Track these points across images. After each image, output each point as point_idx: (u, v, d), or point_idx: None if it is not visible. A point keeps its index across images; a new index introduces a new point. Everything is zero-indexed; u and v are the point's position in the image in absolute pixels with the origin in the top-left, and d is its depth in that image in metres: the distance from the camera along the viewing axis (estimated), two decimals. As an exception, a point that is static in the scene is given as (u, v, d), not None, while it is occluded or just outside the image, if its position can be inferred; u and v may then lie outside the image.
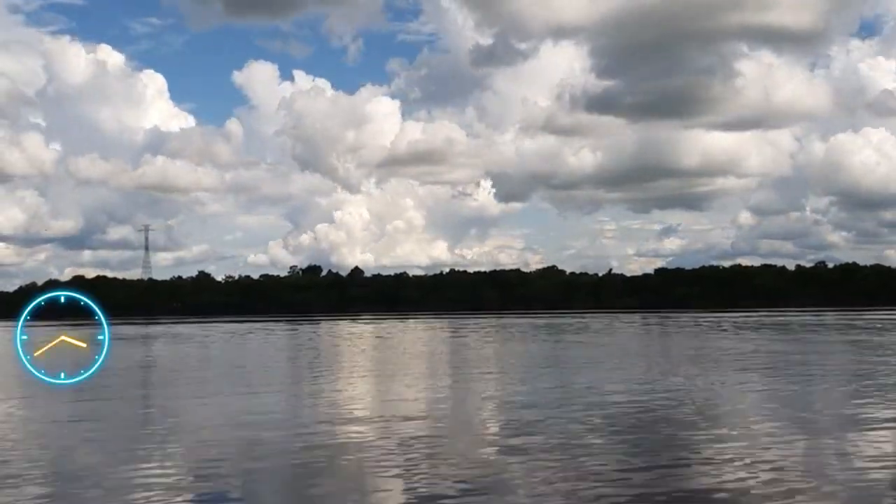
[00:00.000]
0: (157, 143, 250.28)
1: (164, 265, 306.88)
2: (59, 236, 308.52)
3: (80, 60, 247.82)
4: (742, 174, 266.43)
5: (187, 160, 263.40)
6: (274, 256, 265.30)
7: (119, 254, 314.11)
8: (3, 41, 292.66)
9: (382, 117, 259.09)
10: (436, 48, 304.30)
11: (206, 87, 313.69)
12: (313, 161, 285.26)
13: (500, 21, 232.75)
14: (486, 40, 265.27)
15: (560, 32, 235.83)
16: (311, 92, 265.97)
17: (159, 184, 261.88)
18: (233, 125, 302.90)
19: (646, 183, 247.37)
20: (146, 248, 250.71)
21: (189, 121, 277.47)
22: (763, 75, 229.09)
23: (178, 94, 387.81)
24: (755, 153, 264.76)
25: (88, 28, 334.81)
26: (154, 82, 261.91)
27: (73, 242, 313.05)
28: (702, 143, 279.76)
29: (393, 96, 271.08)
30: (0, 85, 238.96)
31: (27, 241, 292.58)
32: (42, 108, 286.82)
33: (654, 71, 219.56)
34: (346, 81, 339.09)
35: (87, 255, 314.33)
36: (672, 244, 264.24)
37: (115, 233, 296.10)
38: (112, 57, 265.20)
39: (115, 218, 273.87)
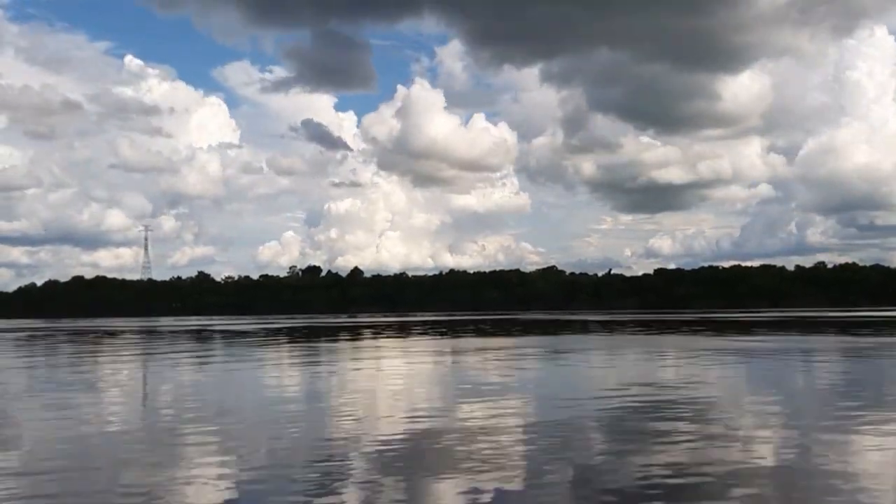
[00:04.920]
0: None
1: (179, 265, 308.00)
2: (59, 237, 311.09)
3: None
4: (742, 177, 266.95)
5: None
6: (275, 255, 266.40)
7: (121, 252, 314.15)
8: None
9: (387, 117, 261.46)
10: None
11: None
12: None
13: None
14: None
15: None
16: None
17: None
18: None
19: (647, 185, 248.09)
20: (145, 249, 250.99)
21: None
22: (761, 84, 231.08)
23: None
24: (755, 157, 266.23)
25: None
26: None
27: (75, 243, 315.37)
28: (703, 146, 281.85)
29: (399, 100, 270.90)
30: None
31: (28, 241, 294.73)
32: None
33: (657, 83, 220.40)
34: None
35: (87, 256, 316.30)
36: (672, 245, 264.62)
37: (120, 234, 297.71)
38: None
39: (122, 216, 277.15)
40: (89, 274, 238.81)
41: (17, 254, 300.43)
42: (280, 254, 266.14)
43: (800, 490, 8.98)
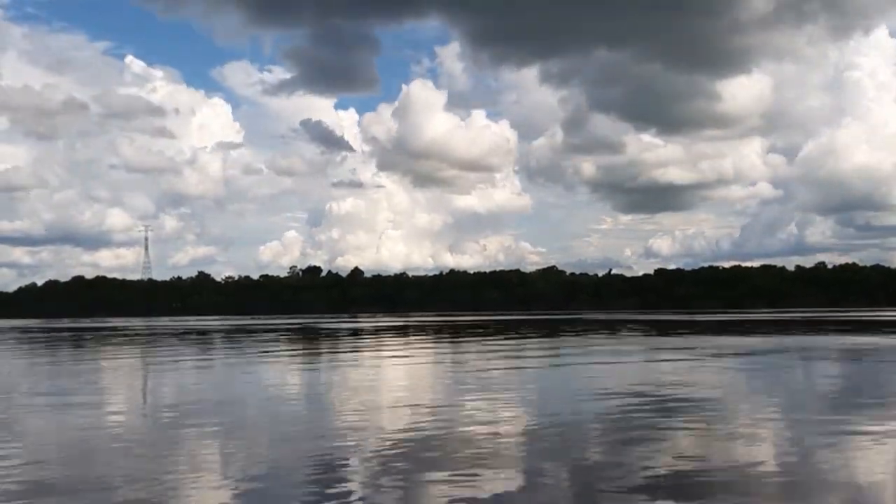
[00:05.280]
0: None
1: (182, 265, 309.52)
2: (62, 237, 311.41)
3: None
4: (742, 177, 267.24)
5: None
6: (276, 255, 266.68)
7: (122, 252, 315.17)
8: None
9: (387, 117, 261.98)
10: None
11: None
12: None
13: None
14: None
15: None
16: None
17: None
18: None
19: (647, 185, 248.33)
20: (146, 249, 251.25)
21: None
22: (761, 85, 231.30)
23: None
24: (755, 157, 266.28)
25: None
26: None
27: (77, 243, 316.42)
28: (703, 146, 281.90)
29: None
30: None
31: (31, 241, 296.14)
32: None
33: (657, 83, 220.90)
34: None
35: (89, 256, 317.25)
36: (672, 245, 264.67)
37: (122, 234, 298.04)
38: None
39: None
40: (92, 274, 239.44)
41: (20, 254, 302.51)
42: (281, 254, 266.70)
43: (800, 492, 9.03)
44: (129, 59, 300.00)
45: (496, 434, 12.32)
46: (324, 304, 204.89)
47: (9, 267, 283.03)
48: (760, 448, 11.19)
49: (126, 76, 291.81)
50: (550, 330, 60.10)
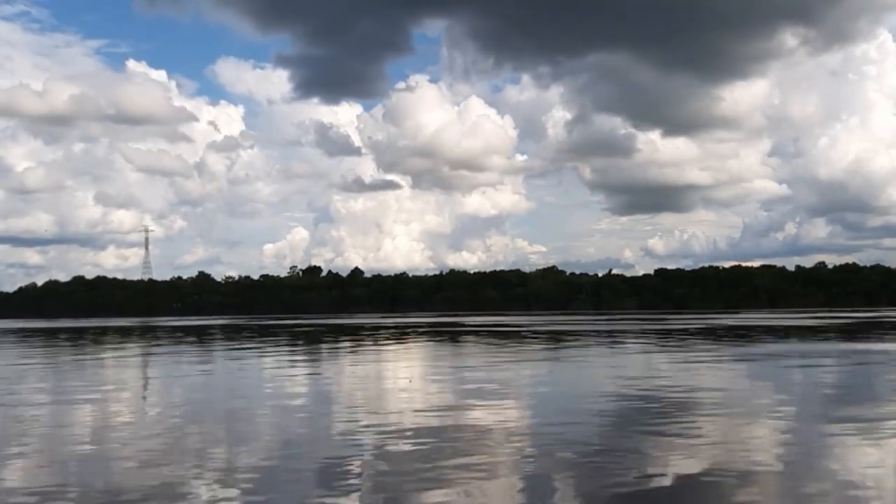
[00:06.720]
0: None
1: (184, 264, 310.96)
2: (69, 238, 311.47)
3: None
4: (742, 177, 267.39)
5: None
6: (273, 256, 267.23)
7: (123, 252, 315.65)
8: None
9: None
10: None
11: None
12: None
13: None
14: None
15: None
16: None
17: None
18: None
19: (647, 185, 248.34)
20: (146, 249, 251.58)
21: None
22: (762, 87, 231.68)
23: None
24: (756, 158, 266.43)
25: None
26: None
27: (84, 244, 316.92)
28: (704, 147, 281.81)
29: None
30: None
31: (39, 242, 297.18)
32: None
33: (658, 84, 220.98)
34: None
35: (97, 257, 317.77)
36: (672, 245, 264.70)
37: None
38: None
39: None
40: (98, 275, 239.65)
41: (29, 254, 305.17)
42: (284, 254, 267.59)
43: (800, 494, 9.05)
44: (137, 62, 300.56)
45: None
46: (324, 304, 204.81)
47: (17, 267, 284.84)
48: None
49: (133, 79, 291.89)
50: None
